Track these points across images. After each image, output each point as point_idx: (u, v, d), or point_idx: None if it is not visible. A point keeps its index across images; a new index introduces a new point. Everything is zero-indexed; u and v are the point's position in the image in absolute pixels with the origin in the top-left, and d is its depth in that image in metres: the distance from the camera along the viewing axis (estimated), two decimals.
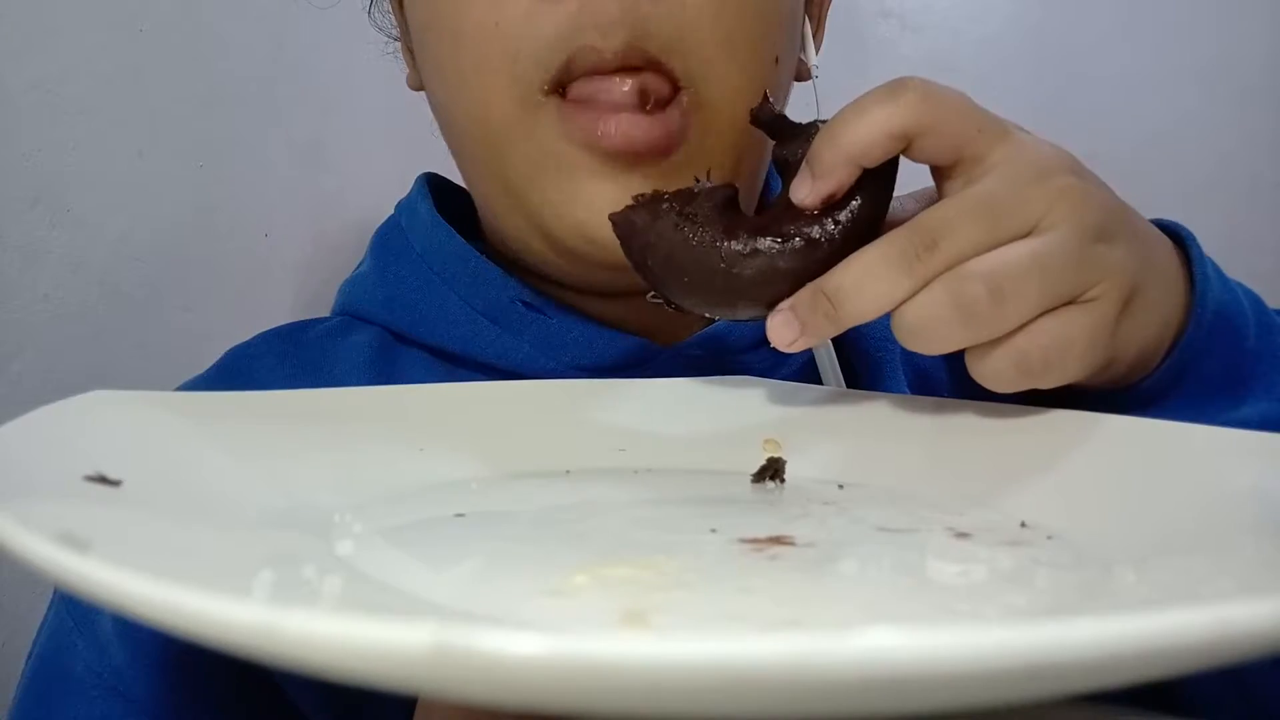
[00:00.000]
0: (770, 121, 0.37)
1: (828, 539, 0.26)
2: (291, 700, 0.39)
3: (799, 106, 0.48)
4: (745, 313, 0.34)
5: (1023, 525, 0.28)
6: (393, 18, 0.51)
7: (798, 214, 0.33)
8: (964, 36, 1.18)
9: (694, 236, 0.33)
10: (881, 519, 0.29)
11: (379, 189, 0.88)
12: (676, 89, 0.40)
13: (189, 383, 0.47)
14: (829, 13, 0.52)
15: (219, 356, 0.49)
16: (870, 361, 0.47)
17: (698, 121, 0.40)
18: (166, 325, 0.71)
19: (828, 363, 0.45)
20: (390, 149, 0.91)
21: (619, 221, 0.35)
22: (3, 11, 0.60)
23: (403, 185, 0.55)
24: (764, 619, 0.20)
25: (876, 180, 0.33)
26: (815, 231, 0.33)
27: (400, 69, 0.51)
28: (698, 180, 0.35)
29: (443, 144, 0.51)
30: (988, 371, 0.31)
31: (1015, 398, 0.33)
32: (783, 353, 0.47)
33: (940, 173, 0.33)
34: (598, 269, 0.43)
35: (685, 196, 0.35)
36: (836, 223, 0.33)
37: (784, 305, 0.33)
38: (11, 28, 0.61)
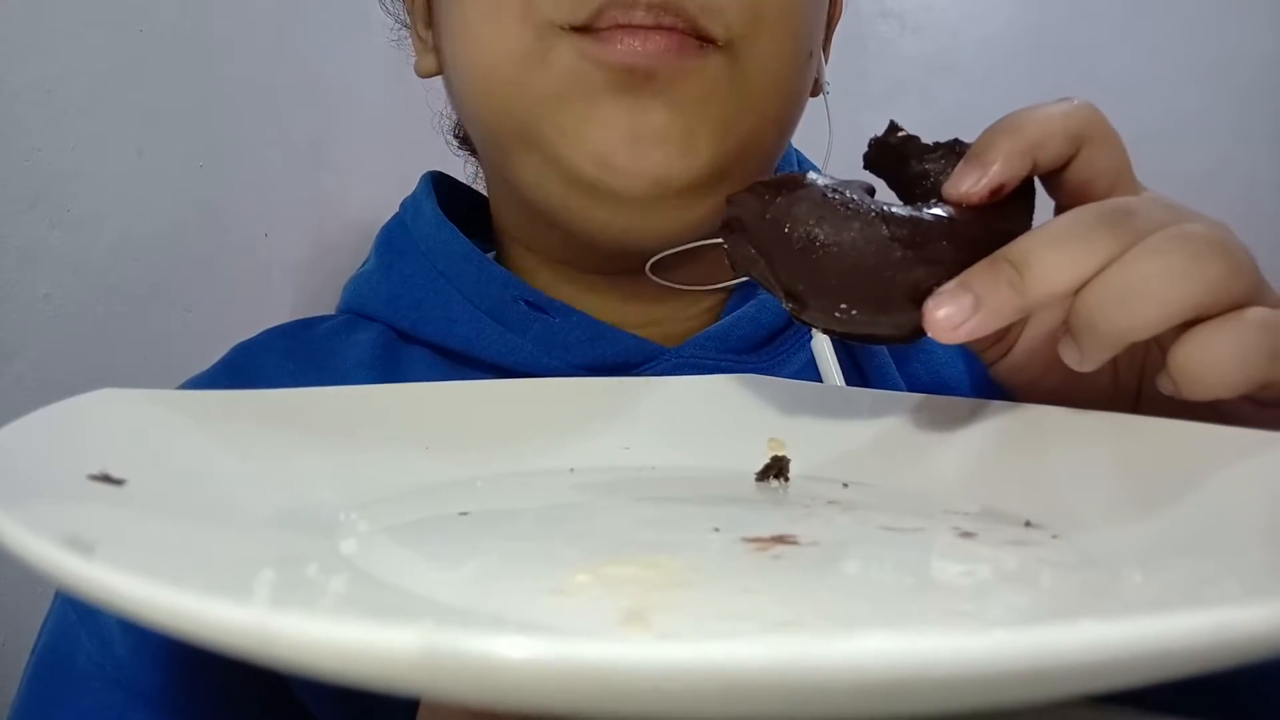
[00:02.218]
0: (900, 143, 0.34)
1: (831, 538, 0.26)
2: (297, 694, 0.39)
3: (806, 115, 0.48)
4: (891, 312, 0.30)
5: (1028, 525, 0.28)
6: (403, 3, 0.51)
7: (954, 214, 0.30)
8: (964, 36, 1.19)
9: (851, 215, 0.29)
10: (886, 518, 0.29)
11: (379, 189, 0.88)
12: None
13: (194, 379, 0.47)
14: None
15: (219, 356, 0.49)
16: (870, 369, 0.47)
17: (730, 72, 0.40)
18: (166, 325, 0.71)
19: (831, 366, 0.45)
20: (390, 149, 0.91)
21: (739, 200, 0.31)
22: (3, 11, 0.60)
23: (402, 185, 0.55)
24: (765, 619, 0.20)
25: (1024, 200, 0.31)
26: (979, 227, 0.29)
27: (404, 62, 0.51)
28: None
29: (443, 144, 0.52)
30: (1208, 356, 0.27)
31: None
32: (784, 356, 0.47)
33: (1084, 200, 0.31)
34: (618, 205, 0.41)
35: (814, 181, 0.30)
36: (1000, 221, 0.30)
37: (949, 285, 0.29)
38: (11, 28, 0.61)
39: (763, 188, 0.31)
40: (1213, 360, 0.27)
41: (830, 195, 0.30)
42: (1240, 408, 0.30)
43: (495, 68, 0.42)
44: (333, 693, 0.39)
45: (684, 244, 0.45)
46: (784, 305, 0.32)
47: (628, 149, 0.40)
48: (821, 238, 0.29)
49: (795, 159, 0.54)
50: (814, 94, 0.49)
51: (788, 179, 0.31)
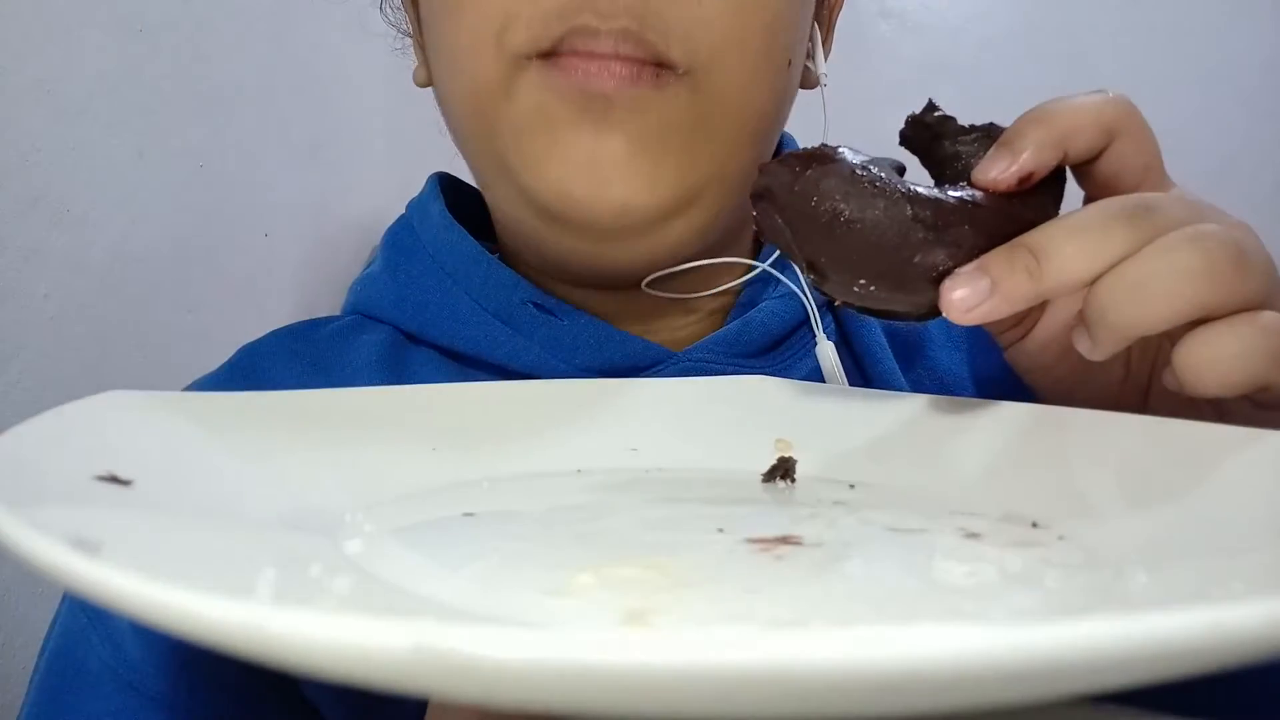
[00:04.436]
0: (935, 122, 0.34)
1: (836, 539, 0.26)
2: (307, 695, 0.39)
3: (802, 112, 0.48)
4: (908, 290, 0.31)
5: (1034, 525, 0.27)
6: (405, 13, 0.52)
7: (980, 199, 0.30)
8: (964, 36, 1.19)
9: (876, 193, 0.30)
10: (891, 519, 0.28)
11: (379, 189, 0.88)
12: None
13: (201, 380, 0.47)
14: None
15: (220, 356, 0.49)
16: (874, 373, 0.47)
17: (691, 101, 0.40)
18: (167, 325, 0.71)
19: (836, 370, 0.45)
20: (390, 149, 0.91)
21: (770, 170, 0.32)
22: (3, 11, 0.60)
23: (402, 185, 0.55)
24: (766, 620, 0.20)
25: (1053, 190, 0.32)
26: (1003, 213, 0.30)
27: (407, 69, 0.51)
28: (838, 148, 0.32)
29: (443, 144, 0.52)
30: (1208, 356, 0.27)
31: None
32: (791, 360, 0.47)
33: (1112, 192, 0.31)
34: (581, 234, 0.42)
35: (845, 156, 0.31)
36: (1025, 208, 0.30)
37: (967, 267, 0.29)
38: (11, 28, 0.61)
39: (794, 159, 0.31)
40: (1212, 360, 0.27)
41: (858, 172, 0.30)
42: (1241, 408, 0.30)
43: (470, 98, 0.42)
44: (342, 697, 0.39)
45: (672, 262, 0.45)
46: (805, 275, 0.32)
47: (586, 179, 0.40)
48: (846, 214, 0.30)
49: None
50: (811, 86, 0.49)
51: (819, 152, 0.31)
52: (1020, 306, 0.29)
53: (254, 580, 0.19)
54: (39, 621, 0.43)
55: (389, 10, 0.54)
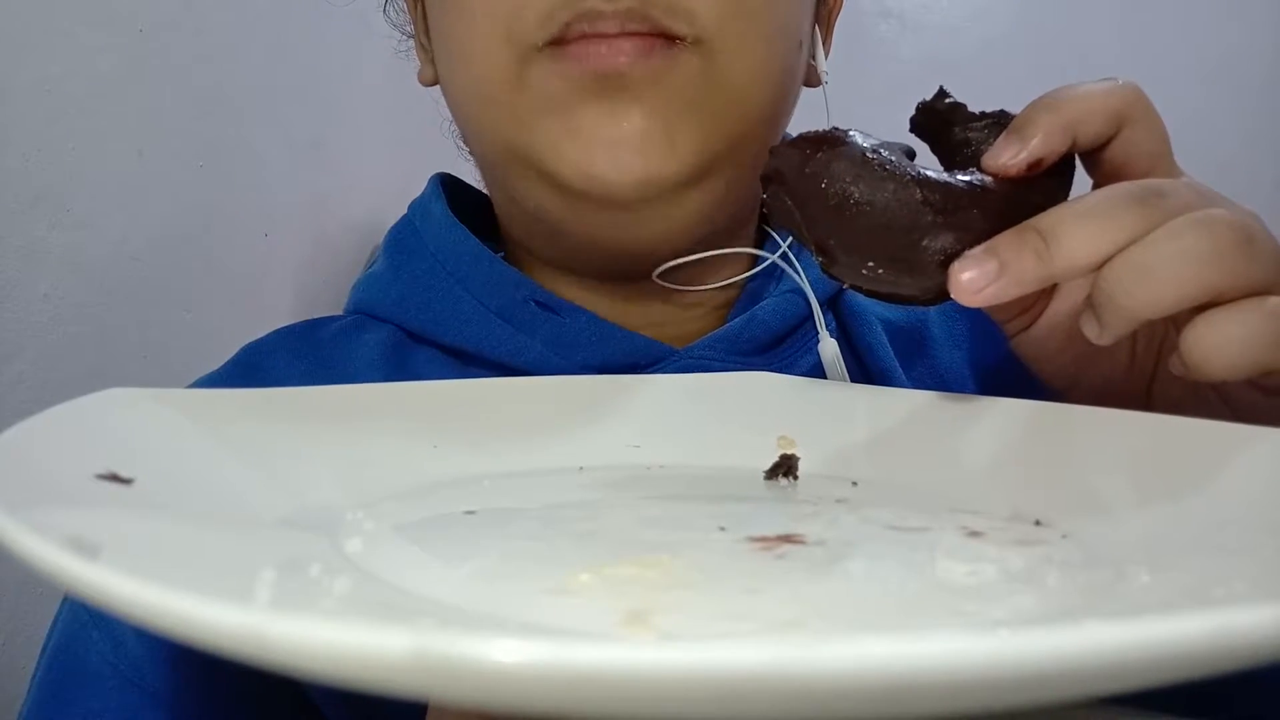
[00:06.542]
0: (946, 109, 0.35)
1: (838, 538, 0.26)
2: (308, 694, 0.39)
3: (804, 112, 0.48)
4: (916, 274, 0.31)
5: (1036, 524, 0.27)
6: (408, 14, 0.52)
7: (989, 184, 0.31)
8: (964, 36, 1.19)
9: (886, 176, 0.30)
10: (893, 517, 0.28)
11: (379, 189, 0.88)
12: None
13: (203, 379, 0.47)
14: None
15: (219, 356, 0.49)
16: (876, 371, 0.47)
17: (704, 69, 0.40)
18: (166, 325, 0.71)
19: (838, 368, 0.45)
20: (390, 149, 0.91)
21: (781, 153, 0.32)
22: (3, 11, 0.60)
23: (402, 185, 0.55)
24: (767, 619, 0.20)
25: (1062, 177, 0.32)
26: (1012, 199, 0.30)
27: (407, 68, 0.51)
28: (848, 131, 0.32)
29: (443, 144, 0.52)
30: (1214, 339, 0.27)
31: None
32: (792, 358, 0.47)
33: (1121, 180, 0.31)
34: (602, 210, 0.42)
35: (855, 140, 0.31)
36: (1034, 194, 0.30)
37: (975, 250, 0.30)
38: (11, 28, 0.60)
39: (805, 142, 0.32)
40: (1218, 343, 0.27)
41: (869, 155, 0.31)
42: (1247, 394, 0.30)
43: (480, 90, 0.42)
44: (343, 695, 0.39)
45: (685, 243, 0.45)
46: (814, 258, 0.33)
47: (607, 155, 0.40)
48: (856, 196, 0.30)
49: None
50: (813, 84, 0.49)
51: (830, 136, 0.32)
52: (1028, 289, 0.29)
53: (253, 582, 0.19)
54: (39, 621, 0.43)
55: (391, 11, 0.54)
